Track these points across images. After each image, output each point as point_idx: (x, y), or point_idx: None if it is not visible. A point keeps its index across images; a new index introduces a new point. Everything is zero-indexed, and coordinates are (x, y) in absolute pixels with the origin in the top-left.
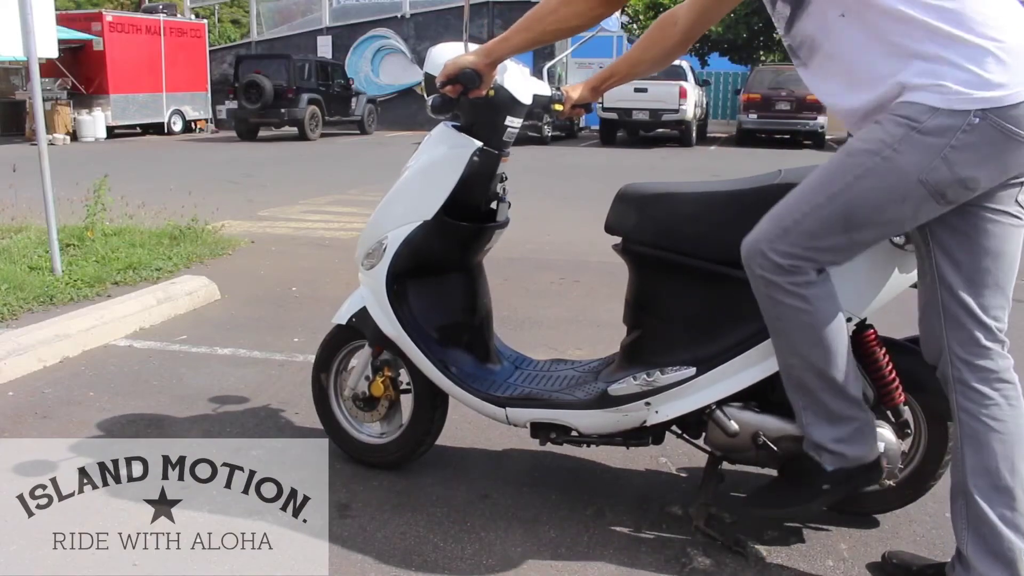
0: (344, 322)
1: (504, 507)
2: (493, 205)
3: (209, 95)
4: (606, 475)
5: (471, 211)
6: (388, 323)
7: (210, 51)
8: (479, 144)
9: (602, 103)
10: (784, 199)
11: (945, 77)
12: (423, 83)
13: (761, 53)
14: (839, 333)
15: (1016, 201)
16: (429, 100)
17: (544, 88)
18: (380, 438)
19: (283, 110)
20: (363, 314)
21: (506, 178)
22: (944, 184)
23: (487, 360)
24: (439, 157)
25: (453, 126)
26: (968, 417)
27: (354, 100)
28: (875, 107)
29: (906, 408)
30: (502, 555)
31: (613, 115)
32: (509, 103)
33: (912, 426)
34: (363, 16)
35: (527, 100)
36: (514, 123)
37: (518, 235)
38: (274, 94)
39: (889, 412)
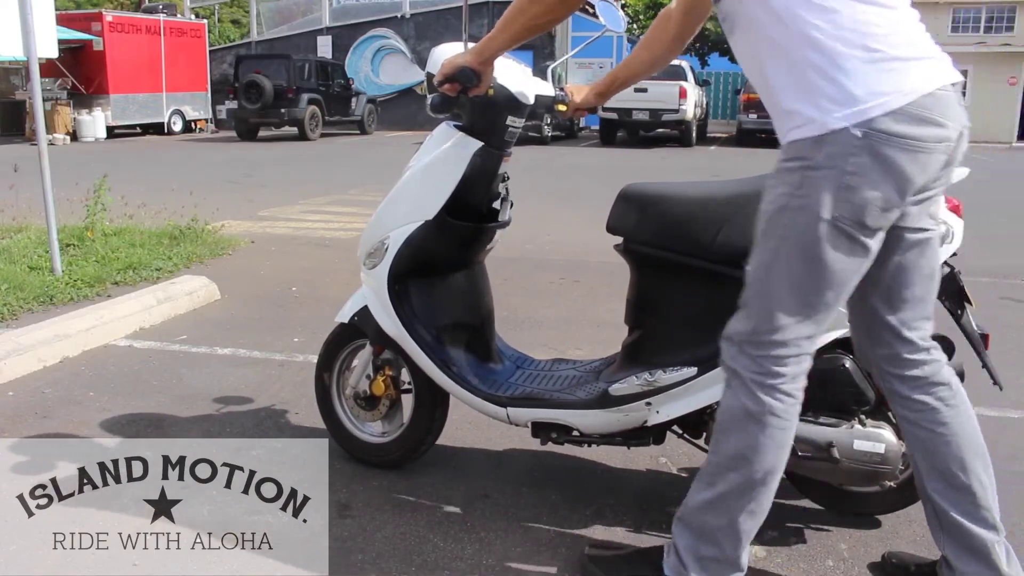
0: (346, 320)
1: (504, 507)
2: (495, 204)
3: (209, 95)
4: (606, 475)
5: (473, 210)
6: (389, 322)
7: (210, 51)
8: (480, 143)
9: None
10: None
11: (821, 92)
12: (425, 83)
13: None
14: (778, 468)
15: (928, 215)
16: (429, 99)
17: (547, 88)
18: (381, 437)
19: (283, 110)
20: (365, 313)
21: (508, 177)
22: (858, 214)
23: (488, 360)
24: (441, 157)
25: (455, 126)
26: (911, 426)
27: (354, 100)
28: (775, 111)
29: None
30: (502, 555)
31: (613, 115)
32: (511, 103)
33: None
34: (363, 16)
35: (529, 100)
36: (516, 123)
37: (518, 235)
38: (274, 94)
39: (890, 413)
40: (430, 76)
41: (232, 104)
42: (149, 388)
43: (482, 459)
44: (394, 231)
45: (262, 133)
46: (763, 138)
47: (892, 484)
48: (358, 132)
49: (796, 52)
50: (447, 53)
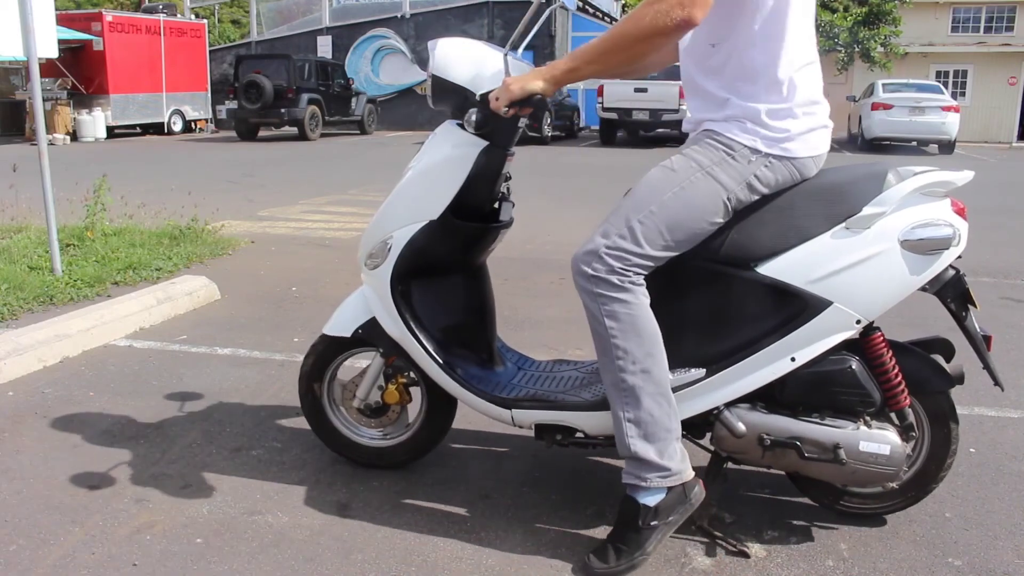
0: (348, 334)
1: (504, 507)
2: (496, 204)
3: (209, 95)
4: (606, 475)
5: (476, 211)
6: (392, 324)
7: (210, 51)
8: (486, 143)
9: (602, 103)
10: (616, 208)
11: (758, 120)
12: (429, 84)
13: None
14: (659, 335)
15: None
16: (472, 116)
17: None
18: (384, 440)
19: (283, 110)
20: (373, 324)
21: (510, 177)
22: (741, 204)
23: (491, 361)
24: (445, 156)
25: (458, 124)
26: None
27: (354, 100)
28: (702, 120)
29: (911, 411)
30: (502, 555)
31: (613, 115)
32: (538, 107)
33: (916, 429)
34: (363, 16)
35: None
36: (524, 123)
37: (518, 235)
38: (274, 94)
39: (894, 415)
40: (437, 80)
41: (232, 104)
42: (149, 388)
43: (482, 459)
44: (397, 231)
45: (262, 133)
46: None
47: (895, 486)
48: (358, 132)
49: (740, 89)
50: (449, 51)
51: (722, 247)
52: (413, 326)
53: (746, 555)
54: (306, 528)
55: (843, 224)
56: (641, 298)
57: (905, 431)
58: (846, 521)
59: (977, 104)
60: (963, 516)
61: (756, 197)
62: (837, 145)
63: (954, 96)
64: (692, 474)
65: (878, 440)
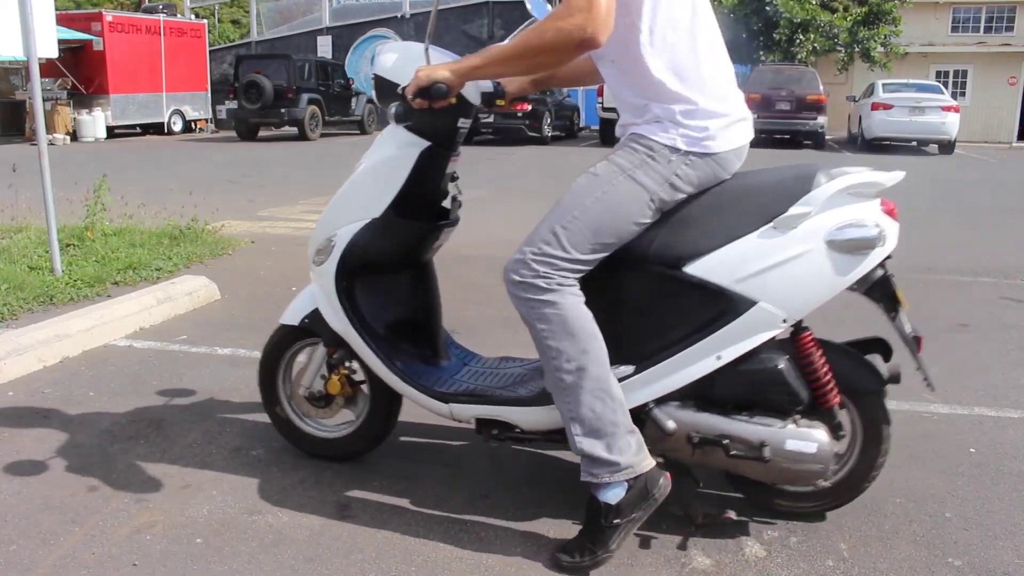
0: (296, 323)
1: (504, 507)
2: (445, 203)
3: (209, 95)
4: None
5: (421, 210)
6: (336, 319)
7: (210, 51)
8: (428, 143)
9: (602, 103)
10: (544, 217)
11: (675, 121)
12: (374, 85)
13: (761, 53)
14: (596, 331)
15: None
16: (392, 108)
17: (487, 84)
18: (336, 431)
19: (283, 110)
20: (316, 315)
21: (457, 177)
22: (667, 204)
23: (435, 356)
24: (388, 156)
25: (405, 126)
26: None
27: (354, 100)
28: (628, 124)
29: (842, 410)
30: (502, 555)
31: (613, 115)
32: (463, 106)
33: (847, 427)
34: (363, 16)
35: (477, 101)
36: (464, 124)
37: (517, 235)
38: (274, 94)
39: (824, 414)
40: (379, 79)
41: (232, 104)
42: (149, 388)
43: (482, 459)
44: (341, 229)
45: (262, 133)
46: (763, 138)
47: (827, 484)
48: (358, 132)
49: (657, 92)
50: (400, 59)
51: (651, 246)
52: (355, 321)
53: (731, 520)
54: (306, 528)
55: (770, 224)
56: (570, 298)
57: (834, 430)
58: (846, 521)
59: (977, 104)
60: (963, 516)
61: (681, 196)
62: (837, 145)
63: (954, 96)
64: (650, 465)
65: (805, 438)
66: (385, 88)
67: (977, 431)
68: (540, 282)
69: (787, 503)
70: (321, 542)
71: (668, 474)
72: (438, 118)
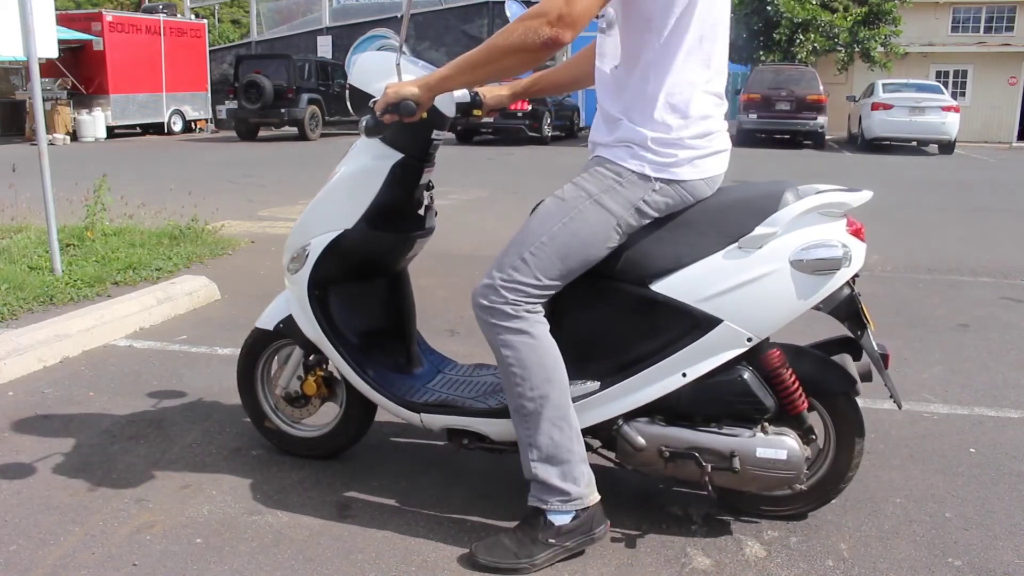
0: (271, 328)
1: (504, 507)
2: (420, 212)
3: (209, 95)
4: (606, 475)
5: (394, 220)
6: (309, 327)
7: (210, 51)
8: (400, 155)
9: None
10: (511, 240)
11: (646, 147)
12: (348, 94)
13: (761, 53)
14: (560, 360)
15: None
16: (363, 121)
17: (463, 95)
18: (311, 431)
19: (283, 110)
20: (291, 320)
21: (432, 187)
22: (633, 228)
23: (409, 364)
24: (362, 167)
25: (379, 137)
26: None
27: None
28: (596, 142)
29: (811, 414)
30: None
31: None
32: (437, 119)
33: (819, 431)
34: (363, 16)
35: (452, 112)
36: (439, 136)
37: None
38: (274, 94)
39: (792, 419)
40: (353, 89)
41: (232, 104)
42: (149, 388)
43: (482, 459)
44: (315, 238)
45: (262, 133)
46: (763, 138)
47: (802, 487)
48: (358, 132)
49: (631, 114)
50: (374, 70)
51: (618, 264)
52: (328, 330)
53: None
54: (306, 528)
55: (736, 244)
56: (537, 327)
57: (805, 434)
58: (846, 521)
59: (977, 104)
60: (963, 516)
61: (647, 221)
62: (837, 145)
63: (954, 96)
64: (596, 500)
65: (775, 445)
66: (358, 98)
67: (977, 431)
68: (508, 308)
69: (771, 508)
70: (321, 542)
71: (609, 522)
72: (411, 132)
